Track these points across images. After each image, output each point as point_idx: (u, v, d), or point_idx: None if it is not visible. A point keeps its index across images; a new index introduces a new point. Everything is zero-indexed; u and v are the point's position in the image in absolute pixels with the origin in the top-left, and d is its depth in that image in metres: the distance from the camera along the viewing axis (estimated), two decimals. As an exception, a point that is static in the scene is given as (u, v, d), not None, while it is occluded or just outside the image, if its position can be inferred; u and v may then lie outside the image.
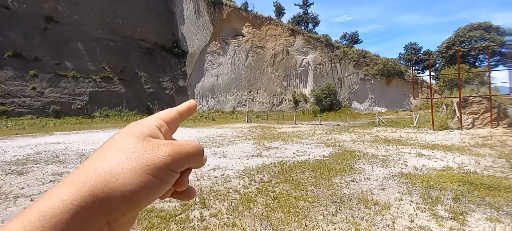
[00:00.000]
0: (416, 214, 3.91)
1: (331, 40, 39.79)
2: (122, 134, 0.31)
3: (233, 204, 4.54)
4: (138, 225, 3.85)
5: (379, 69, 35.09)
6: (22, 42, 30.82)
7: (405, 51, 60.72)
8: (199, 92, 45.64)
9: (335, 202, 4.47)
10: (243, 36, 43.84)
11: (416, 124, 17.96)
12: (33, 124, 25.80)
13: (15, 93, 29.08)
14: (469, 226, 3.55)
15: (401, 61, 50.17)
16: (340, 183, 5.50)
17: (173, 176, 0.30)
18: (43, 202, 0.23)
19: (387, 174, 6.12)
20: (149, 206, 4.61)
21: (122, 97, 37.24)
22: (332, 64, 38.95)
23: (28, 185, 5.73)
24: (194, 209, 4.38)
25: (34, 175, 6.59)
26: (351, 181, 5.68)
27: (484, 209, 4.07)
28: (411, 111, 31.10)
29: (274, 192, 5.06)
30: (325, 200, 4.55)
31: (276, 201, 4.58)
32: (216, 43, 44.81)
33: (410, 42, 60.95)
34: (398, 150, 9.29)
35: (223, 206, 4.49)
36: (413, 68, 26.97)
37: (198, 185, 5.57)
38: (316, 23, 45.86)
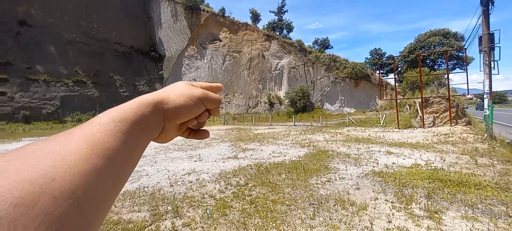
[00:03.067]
0: (392, 214, 3.72)
1: (304, 45, 40.45)
2: (176, 83, 0.46)
3: (207, 211, 4.08)
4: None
5: (348, 73, 36.28)
6: (-8, 46, 27.54)
7: (370, 56, 63.73)
8: (178, 96, 44.01)
9: (313, 204, 4.19)
10: (220, 41, 43.16)
11: (383, 123, 18.61)
12: (1, 130, 23.22)
13: (-21, 98, 25.87)
14: (445, 225, 3.41)
15: (368, 65, 52.47)
16: (317, 184, 5.26)
17: (201, 106, 0.45)
18: (143, 97, 0.39)
19: (360, 173, 6.00)
20: (115, 218, 4.00)
21: (96, 101, 34.66)
22: (305, 68, 39.61)
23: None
24: (165, 219, 3.87)
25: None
26: (327, 181, 5.47)
27: (458, 206, 3.98)
28: (377, 111, 32.48)
29: (251, 195, 4.67)
30: (302, 203, 4.25)
31: (253, 205, 4.20)
32: (194, 47, 43.67)
33: (375, 48, 64.09)
34: (369, 148, 9.36)
35: (197, 213, 4.02)
36: (379, 71, 28.20)
37: (171, 192, 5.02)
38: (290, 29, 46.42)
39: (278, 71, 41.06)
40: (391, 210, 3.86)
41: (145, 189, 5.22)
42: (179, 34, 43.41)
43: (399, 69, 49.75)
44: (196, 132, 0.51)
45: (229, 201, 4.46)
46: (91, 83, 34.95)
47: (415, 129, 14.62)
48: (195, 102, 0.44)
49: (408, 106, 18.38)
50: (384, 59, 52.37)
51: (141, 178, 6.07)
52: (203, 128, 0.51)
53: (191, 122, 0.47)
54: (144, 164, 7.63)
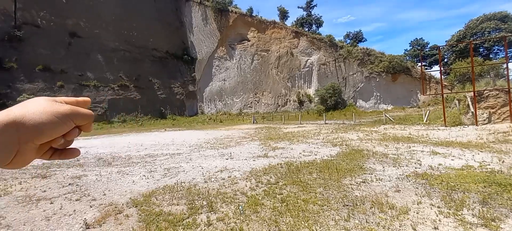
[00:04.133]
0: (439, 220, 3.41)
1: (334, 40, 38.96)
2: (35, 99, 0.41)
3: (240, 207, 4.20)
4: (146, 229, 3.57)
5: (384, 67, 34.02)
6: (49, 56, 31.63)
7: (411, 47, 58.74)
8: (208, 96, 45.81)
9: (347, 205, 4.05)
10: (249, 40, 43.66)
11: (426, 121, 17.10)
12: (57, 131, 26.29)
13: (43, 103, 29.88)
14: (504, 234, 3.03)
15: (407, 58, 48.49)
16: (351, 184, 5.07)
17: (69, 123, 0.41)
18: None
19: (400, 174, 5.61)
20: (157, 210, 4.33)
21: (137, 103, 37.69)
22: (336, 63, 38.12)
23: (49, 188, 5.60)
24: (201, 213, 4.07)
25: (56, 178, 6.48)
26: (362, 182, 5.23)
27: (521, 214, 3.49)
28: (419, 108, 29.94)
29: (282, 194, 4.68)
30: (335, 203, 4.14)
31: (284, 204, 4.21)
32: (223, 48, 44.89)
33: (416, 38, 58.49)
34: (410, 148, 8.69)
35: (230, 209, 4.16)
36: (421, 64, 25.73)
37: (205, 187, 5.26)
38: (319, 24, 45.08)
39: (308, 69, 40.18)
40: (437, 216, 3.55)
41: (182, 184, 5.55)
42: (209, 36, 45.02)
43: (445, 60, 45.03)
44: (62, 151, 0.46)
45: (260, 198, 4.53)
46: (133, 87, 38.09)
47: (466, 126, 13.15)
48: (61, 119, 0.40)
49: (457, 102, 16.59)
50: (427, 50, 47.77)
51: (179, 174, 6.45)
52: (74, 146, 0.47)
53: (56, 141, 0.43)
54: (181, 161, 8.10)
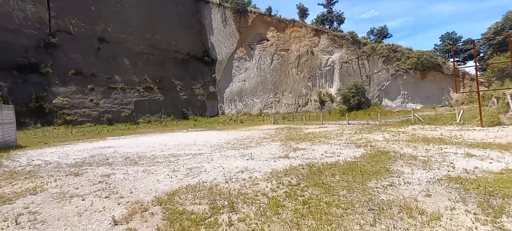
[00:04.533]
0: (476, 227, 3.16)
1: (357, 37, 37.61)
2: None
3: (261, 208, 4.19)
4: (170, 227, 3.70)
5: (412, 64, 32.22)
6: (81, 61, 34.09)
7: (441, 42, 54.94)
8: (228, 97, 46.46)
9: (373, 209, 3.89)
10: (268, 40, 43.61)
11: (460, 120, 15.93)
12: (91, 131, 28.22)
13: (77, 105, 32.22)
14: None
15: (438, 53, 45.46)
16: (376, 188, 4.85)
17: None
18: None
19: (431, 178, 5.27)
20: (180, 208, 4.47)
21: (161, 104, 39.31)
22: (359, 61, 36.80)
23: (81, 185, 6.01)
24: (222, 213, 4.13)
25: (87, 176, 6.93)
26: (388, 185, 4.99)
27: None
28: (451, 106, 27.98)
29: (303, 196, 4.61)
30: (360, 207, 3.99)
31: (306, 206, 4.14)
32: (242, 49, 45.28)
33: (447, 32, 54.40)
34: (441, 149, 8.14)
35: (251, 210, 4.17)
36: (453, 59, 23.80)
37: (226, 188, 5.33)
38: (341, 21, 43.76)
39: (329, 67, 39.22)
40: (473, 223, 3.28)
41: (204, 184, 5.67)
42: (229, 37, 45.68)
43: (481, 55, 41.60)
44: None
45: (281, 200, 4.49)
46: (157, 89, 39.82)
47: (506, 126, 12.04)
48: None
49: (495, 100, 15.27)
50: (459, 44, 44.50)
51: (200, 174, 6.61)
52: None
53: None
54: (202, 161, 8.29)
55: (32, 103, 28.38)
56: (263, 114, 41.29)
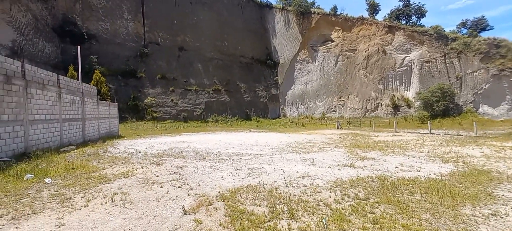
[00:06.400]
0: None
1: (443, 31, 31.64)
2: None
3: (323, 220, 3.86)
4: (231, 224, 3.79)
5: (524, 61, 25.07)
6: (165, 67, 39.99)
7: None
8: (290, 99, 46.13)
9: (471, 244, 3.06)
10: (332, 41, 41.31)
11: None
12: (171, 126, 32.71)
13: (161, 104, 37.88)
14: None
15: None
16: (474, 216, 3.84)
17: None
18: None
19: None
20: (241, 207, 4.56)
21: (227, 105, 42.30)
22: (446, 60, 30.85)
23: (161, 174, 6.89)
24: (282, 219, 3.99)
25: (166, 166, 7.92)
26: (491, 214, 3.89)
27: None
28: None
29: (374, 213, 4.03)
30: (452, 238, 3.20)
31: (377, 226, 3.59)
32: (305, 51, 44.28)
33: None
34: None
35: (312, 220, 3.89)
36: None
37: (286, 192, 5.17)
38: (421, 14, 37.55)
39: (405, 68, 34.34)
40: None
41: (264, 185, 5.66)
42: (291, 40, 45.49)
43: None
44: None
45: (346, 214, 4.04)
46: (224, 91, 43.12)
47: None
48: None
49: None
50: None
51: (261, 175, 6.65)
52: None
53: None
54: (263, 162, 8.36)
55: (130, 102, 34.73)
56: (326, 118, 39.31)
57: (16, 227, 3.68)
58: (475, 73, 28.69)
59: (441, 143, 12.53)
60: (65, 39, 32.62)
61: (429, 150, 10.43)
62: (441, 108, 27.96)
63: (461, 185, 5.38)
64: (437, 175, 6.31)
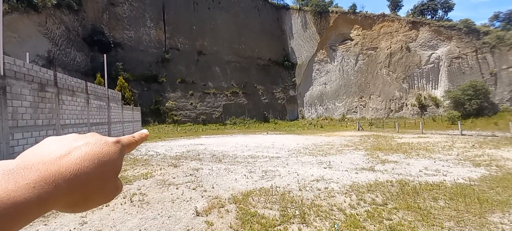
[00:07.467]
0: None
1: (474, 25, 29.45)
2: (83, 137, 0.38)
3: (335, 226, 3.75)
4: (241, 228, 3.82)
5: None
6: (185, 71, 41.31)
7: None
8: (308, 101, 45.36)
9: (499, 257, 2.80)
10: (352, 40, 40.09)
11: None
12: (190, 129, 33.57)
13: (181, 107, 39.13)
14: None
15: None
16: (502, 224, 3.52)
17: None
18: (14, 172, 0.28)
19: None
20: (252, 210, 4.57)
21: (245, 107, 42.57)
22: (479, 55, 28.63)
23: (177, 175, 7.12)
24: (293, 223, 3.94)
25: (182, 168, 8.17)
26: (527, 224, 3.52)
27: None
28: None
29: (391, 220, 3.83)
30: (477, 250, 2.95)
31: (394, 234, 3.41)
32: (323, 51, 43.37)
33: None
34: None
35: (324, 226, 3.80)
36: None
37: (299, 196, 5.09)
38: (448, 8, 35.27)
39: (432, 65, 32.41)
40: None
41: (277, 188, 5.62)
42: (309, 41, 44.81)
43: None
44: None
45: (361, 220, 3.89)
46: (241, 93, 43.49)
47: None
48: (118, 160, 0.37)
49: None
50: None
51: (275, 178, 6.61)
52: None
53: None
54: (278, 165, 8.30)
55: (153, 105, 36.25)
56: (346, 119, 38.15)
57: (45, 224, 4.00)
58: (510, 69, 26.30)
59: (473, 145, 11.62)
60: (94, 48, 34.96)
61: (459, 153, 9.71)
62: (473, 107, 25.94)
63: (491, 191, 4.95)
64: (465, 180, 5.85)
